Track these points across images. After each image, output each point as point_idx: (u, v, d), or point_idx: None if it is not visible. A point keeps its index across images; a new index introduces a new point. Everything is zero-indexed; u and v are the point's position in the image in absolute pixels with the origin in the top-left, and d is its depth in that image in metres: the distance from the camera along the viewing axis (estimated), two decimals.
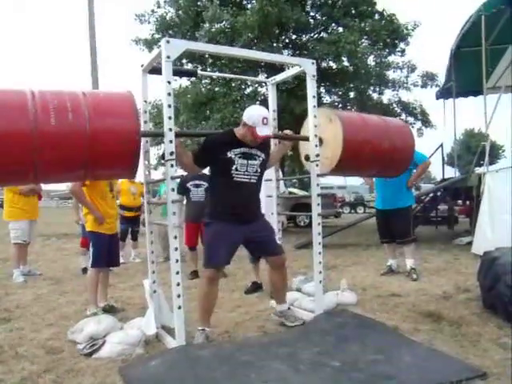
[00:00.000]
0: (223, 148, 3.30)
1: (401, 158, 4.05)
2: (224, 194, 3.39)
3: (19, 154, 2.58)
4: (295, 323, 3.68)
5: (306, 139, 3.80)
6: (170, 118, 3.01)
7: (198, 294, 3.46)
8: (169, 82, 3.03)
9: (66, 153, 2.69)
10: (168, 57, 3.00)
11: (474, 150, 15.70)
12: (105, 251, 4.10)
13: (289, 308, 3.85)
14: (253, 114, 3.25)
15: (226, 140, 3.36)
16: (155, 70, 3.41)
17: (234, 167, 3.30)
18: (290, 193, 13.18)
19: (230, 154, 3.29)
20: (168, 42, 3.01)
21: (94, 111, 2.73)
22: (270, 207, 4.38)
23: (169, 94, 3.02)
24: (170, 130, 3.01)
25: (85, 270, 6.11)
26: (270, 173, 4.17)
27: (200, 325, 3.32)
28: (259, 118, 3.20)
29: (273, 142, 3.98)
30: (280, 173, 4.48)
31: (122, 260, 7.02)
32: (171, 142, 3.01)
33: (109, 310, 4.16)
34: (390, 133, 3.92)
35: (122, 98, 2.93)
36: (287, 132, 3.80)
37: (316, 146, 3.67)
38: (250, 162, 3.37)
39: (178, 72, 4.63)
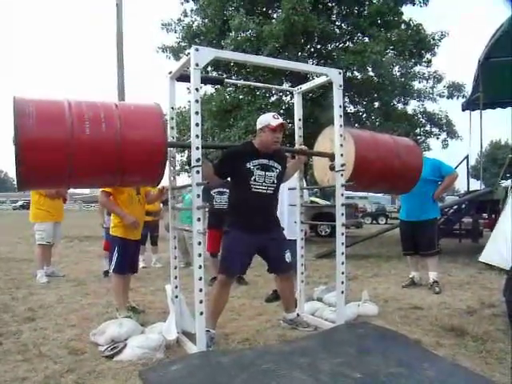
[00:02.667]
0: (242, 159, 3.45)
1: (410, 176, 4.15)
2: (242, 203, 3.53)
3: (56, 159, 2.74)
4: (308, 329, 3.81)
5: (321, 155, 3.93)
6: (197, 124, 3.04)
7: (210, 296, 3.50)
8: (197, 90, 3.06)
9: (97, 160, 2.85)
10: (197, 64, 3.03)
11: (501, 163, 15.40)
12: (129, 257, 4.13)
13: (298, 315, 3.94)
14: (262, 117, 3.53)
15: (245, 151, 3.53)
16: (183, 77, 3.46)
17: (252, 178, 3.45)
18: (312, 202, 13.13)
19: (248, 165, 3.44)
20: (197, 50, 3.05)
21: (124, 123, 2.88)
22: (293, 216, 4.39)
23: (196, 101, 3.05)
24: (197, 136, 3.04)
25: (106, 273, 6.19)
26: (293, 182, 4.18)
27: (206, 326, 3.33)
28: (269, 116, 3.48)
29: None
30: (304, 182, 4.47)
31: (143, 264, 7.13)
32: (198, 148, 3.03)
33: (130, 310, 4.20)
34: (400, 152, 4.00)
35: (151, 111, 3.07)
36: (303, 148, 3.94)
37: (342, 155, 3.66)
38: (267, 173, 3.50)
39: (206, 80, 4.66)
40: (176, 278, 3.65)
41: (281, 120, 3.44)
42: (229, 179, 3.68)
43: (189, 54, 3.09)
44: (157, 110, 3.08)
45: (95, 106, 2.90)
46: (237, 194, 3.62)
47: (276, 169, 3.56)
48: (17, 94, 2.74)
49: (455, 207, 10.56)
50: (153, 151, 2.96)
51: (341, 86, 3.70)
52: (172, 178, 3.65)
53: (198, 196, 3.05)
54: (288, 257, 3.72)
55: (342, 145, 3.67)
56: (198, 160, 3.03)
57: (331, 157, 3.78)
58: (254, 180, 3.45)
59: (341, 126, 3.67)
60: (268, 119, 3.44)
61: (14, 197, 62.90)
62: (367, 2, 12.61)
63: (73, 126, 2.72)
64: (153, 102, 3.17)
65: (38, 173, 2.77)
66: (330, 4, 13.08)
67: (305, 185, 4.55)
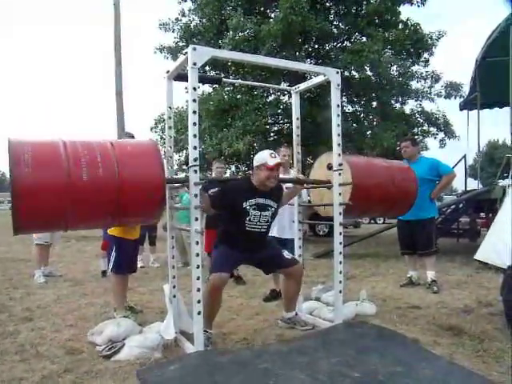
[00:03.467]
0: (239, 198, 3.48)
1: (405, 200, 4.18)
2: (234, 236, 3.57)
3: (53, 207, 2.70)
4: (306, 328, 3.81)
5: (317, 183, 3.96)
6: (194, 124, 3.04)
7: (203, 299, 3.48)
8: (194, 89, 3.06)
9: (95, 205, 2.82)
10: (194, 64, 3.02)
11: (498, 162, 15.43)
12: (127, 256, 4.13)
13: (296, 314, 3.94)
14: (259, 155, 3.52)
15: (243, 189, 3.54)
16: (181, 76, 3.45)
17: (247, 218, 3.49)
18: (310, 201, 13.10)
19: (245, 205, 3.47)
20: (194, 49, 3.04)
21: (122, 165, 2.83)
22: (291, 215, 4.41)
23: (194, 101, 3.05)
24: (195, 136, 3.03)
25: (104, 273, 6.18)
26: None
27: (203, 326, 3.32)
28: (266, 154, 3.46)
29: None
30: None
31: (141, 264, 7.11)
32: (195, 148, 3.03)
33: (128, 310, 4.20)
34: (395, 177, 4.04)
35: (148, 151, 3.04)
36: (300, 176, 4.01)
37: (339, 155, 3.66)
38: (262, 213, 3.54)
39: (204, 79, 4.67)
40: (174, 277, 3.65)
41: (278, 159, 3.44)
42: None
43: (186, 53, 3.09)
44: (153, 149, 3.04)
45: (91, 147, 2.85)
46: (230, 226, 3.63)
47: (272, 207, 3.60)
48: (11, 137, 2.68)
49: (453, 206, 10.58)
50: (151, 192, 2.92)
51: (338, 85, 3.70)
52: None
53: (196, 196, 3.05)
54: (287, 254, 3.73)
55: (339, 144, 3.67)
56: (195, 159, 3.02)
57: (327, 185, 3.82)
58: (249, 220, 3.49)
59: (338, 125, 3.68)
60: (265, 158, 3.42)
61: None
62: (365, 2, 12.61)
63: (70, 173, 2.67)
64: (148, 139, 3.19)
65: (35, 220, 2.75)
66: (327, 4, 13.09)
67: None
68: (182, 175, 11.29)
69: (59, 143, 2.79)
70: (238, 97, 12.33)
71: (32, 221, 2.75)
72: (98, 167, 2.76)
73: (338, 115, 3.68)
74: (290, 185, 3.97)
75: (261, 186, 3.49)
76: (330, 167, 3.75)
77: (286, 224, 4.71)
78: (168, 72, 3.54)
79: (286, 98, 12.55)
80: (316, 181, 4.02)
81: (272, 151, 3.52)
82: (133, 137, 5.02)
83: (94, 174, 2.74)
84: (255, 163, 3.49)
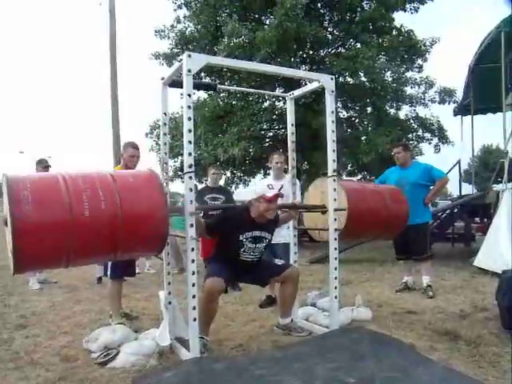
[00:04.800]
0: (236, 230, 3.54)
1: (396, 223, 4.26)
2: (228, 262, 3.58)
3: (55, 244, 2.61)
4: (302, 334, 3.80)
5: (312, 208, 4.00)
6: (189, 130, 3.05)
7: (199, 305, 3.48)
8: (189, 95, 3.07)
9: (97, 241, 2.71)
10: (189, 70, 3.04)
11: (492, 167, 15.51)
12: (123, 262, 4.10)
13: (291, 320, 3.93)
14: (258, 187, 3.64)
15: (241, 221, 3.59)
16: (176, 83, 3.47)
17: (242, 250, 3.55)
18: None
19: (241, 238, 3.53)
20: (189, 56, 3.06)
21: (124, 199, 2.73)
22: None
23: (189, 107, 3.06)
24: (190, 142, 3.04)
25: (99, 280, 6.16)
26: (287, 188, 4.23)
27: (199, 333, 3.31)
28: (264, 186, 3.64)
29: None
30: (298, 185, 4.47)
31: (137, 270, 7.07)
32: (190, 154, 3.04)
33: (124, 316, 4.19)
34: (387, 201, 4.11)
35: (149, 182, 2.93)
36: (295, 202, 4.09)
37: (334, 161, 3.68)
38: (257, 245, 3.60)
39: (199, 85, 4.68)
40: (169, 283, 3.64)
41: (276, 191, 3.52)
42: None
43: (181, 60, 3.10)
44: (155, 180, 2.94)
45: (92, 181, 2.75)
46: (223, 253, 3.67)
47: (266, 239, 3.67)
48: (8, 173, 2.58)
49: (448, 211, 10.62)
50: (155, 225, 2.83)
51: (333, 91, 3.72)
52: (165, 184, 3.65)
53: (191, 202, 3.05)
54: (278, 260, 3.77)
55: (334, 150, 3.69)
56: (190, 166, 3.03)
57: (322, 210, 3.86)
58: (244, 251, 3.56)
59: (333, 131, 3.69)
60: (263, 190, 3.51)
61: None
62: (359, 9, 12.67)
63: (71, 209, 2.57)
64: (147, 169, 3.08)
65: (36, 258, 2.66)
66: (322, 10, 13.14)
67: (299, 186, 4.55)
68: (177, 181, 11.32)
69: (58, 177, 2.69)
70: (234, 103, 12.34)
71: (33, 260, 2.66)
72: (100, 201, 2.66)
73: (333, 121, 3.70)
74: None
75: (259, 217, 3.54)
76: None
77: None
78: (163, 78, 3.55)
79: (281, 103, 12.58)
80: (311, 206, 4.06)
81: (270, 183, 3.58)
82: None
83: (97, 209, 2.64)
84: (253, 196, 3.59)
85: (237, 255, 3.55)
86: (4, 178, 2.56)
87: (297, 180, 4.32)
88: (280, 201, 3.84)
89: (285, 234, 4.62)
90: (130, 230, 2.74)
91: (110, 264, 4.06)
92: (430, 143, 13.54)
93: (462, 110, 11.39)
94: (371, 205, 3.97)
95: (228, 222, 3.60)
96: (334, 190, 3.68)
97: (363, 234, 4.25)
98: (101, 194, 2.69)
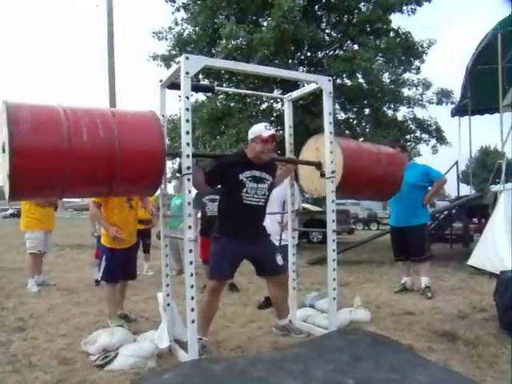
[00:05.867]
0: (235, 170, 3.46)
1: (391, 183, 4.26)
2: (232, 213, 3.55)
3: (53, 167, 2.62)
4: (300, 335, 3.80)
5: (309, 163, 3.98)
6: (187, 132, 3.05)
7: (201, 304, 3.49)
8: (187, 98, 3.07)
9: (94, 168, 2.75)
10: (187, 73, 3.04)
11: (490, 168, 15.54)
12: (117, 265, 4.10)
13: (290, 321, 3.93)
14: (254, 128, 3.53)
15: (238, 162, 3.53)
16: (174, 85, 3.46)
17: (244, 190, 3.46)
18: (304, 208, 13.15)
19: (241, 177, 3.45)
20: (187, 58, 3.06)
21: (123, 130, 2.80)
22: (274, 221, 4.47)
23: (187, 109, 3.06)
24: (188, 144, 3.04)
25: (98, 282, 6.15)
26: (284, 189, 4.23)
27: (198, 333, 3.31)
28: (261, 126, 3.48)
29: None
30: (296, 187, 4.47)
31: None
32: (188, 156, 3.04)
33: (123, 318, 4.19)
34: (383, 161, 4.13)
35: (149, 118, 3.01)
36: (291, 157, 4.05)
37: (332, 162, 3.68)
38: (259, 185, 3.52)
39: (196, 87, 4.68)
40: (168, 285, 3.64)
41: (272, 131, 3.44)
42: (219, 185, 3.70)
43: (179, 62, 3.11)
44: (154, 117, 3.03)
45: (91, 112, 2.82)
46: (227, 204, 3.62)
47: (267, 180, 3.59)
48: (7, 99, 2.60)
49: (446, 212, 10.64)
50: (152, 158, 2.89)
51: (331, 93, 3.73)
52: (163, 186, 3.65)
53: (189, 203, 3.05)
54: (279, 259, 3.72)
55: (331, 151, 3.69)
56: (188, 168, 3.03)
57: (318, 165, 3.84)
58: (246, 192, 3.46)
59: (331, 132, 3.70)
60: (260, 130, 3.43)
61: (4, 205, 62.20)
62: (356, 11, 12.70)
63: (70, 132, 2.61)
64: (148, 110, 3.13)
65: (32, 182, 2.65)
66: (319, 12, 13.16)
67: (297, 189, 4.57)
68: (173, 182, 11.30)
69: (57, 106, 2.74)
70: (232, 105, 12.36)
71: (29, 183, 2.65)
72: (98, 129, 2.72)
73: (331, 123, 3.71)
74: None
75: (255, 158, 3.50)
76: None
77: (271, 230, 4.73)
78: (161, 81, 3.55)
79: (279, 105, 12.60)
80: (307, 162, 4.04)
81: (266, 123, 3.55)
82: None
83: (95, 136, 2.69)
84: (250, 136, 3.51)
85: (240, 200, 3.45)
86: (4, 103, 2.57)
87: (294, 182, 4.32)
88: (277, 199, 3.85)
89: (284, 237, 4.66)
90: (127, 158, 2.78)
91: (102, 268, 4.08)
92: (427, 144, 13.59)
93: (460, 111, 11.41)
94: (367, 163, 4.00)
95: (226, 165, 3.53)
96: (332, 192, 3.69)
97: (358, 191, 4.27)
98: (99, 123, 2.75)
